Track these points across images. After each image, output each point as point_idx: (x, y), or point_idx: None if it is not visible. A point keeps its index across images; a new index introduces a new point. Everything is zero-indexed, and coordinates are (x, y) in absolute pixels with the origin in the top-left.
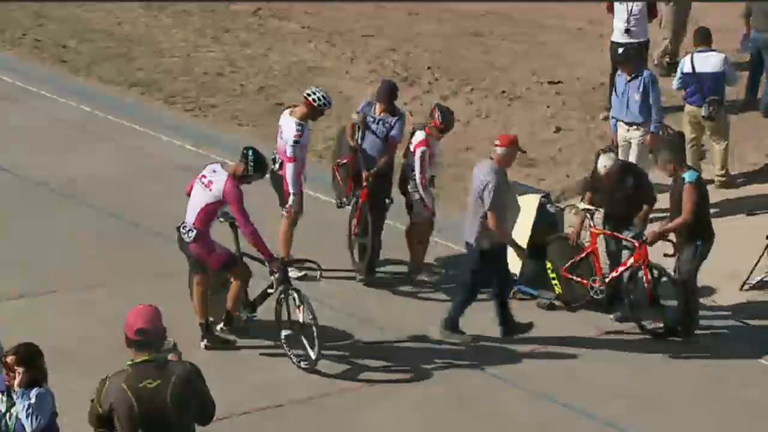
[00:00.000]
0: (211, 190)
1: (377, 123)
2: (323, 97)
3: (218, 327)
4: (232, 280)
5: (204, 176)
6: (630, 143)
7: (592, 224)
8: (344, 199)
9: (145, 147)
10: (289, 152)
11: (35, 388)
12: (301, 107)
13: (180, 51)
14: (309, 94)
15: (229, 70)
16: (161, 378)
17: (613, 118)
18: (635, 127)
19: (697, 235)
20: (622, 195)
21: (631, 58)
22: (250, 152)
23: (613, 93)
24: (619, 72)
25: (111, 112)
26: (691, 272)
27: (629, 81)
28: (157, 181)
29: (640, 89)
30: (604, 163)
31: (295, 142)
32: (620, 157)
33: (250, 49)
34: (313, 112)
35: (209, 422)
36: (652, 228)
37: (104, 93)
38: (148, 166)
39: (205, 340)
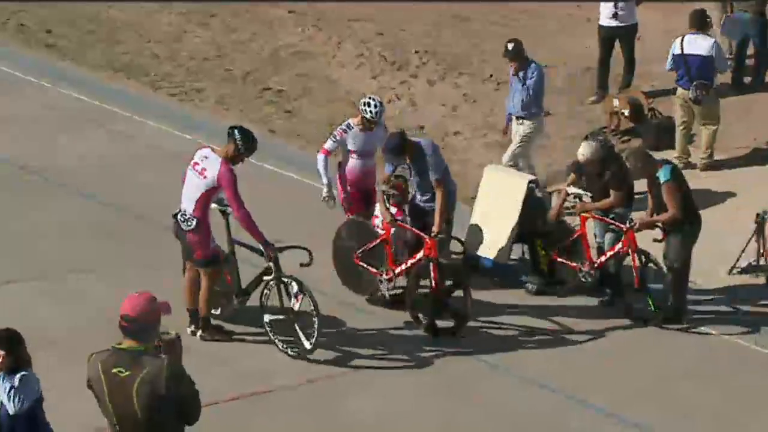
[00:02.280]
0: (205, 177)
1: (410, 168)
2: (367, 104)
3: (199, 334)
4: (201, 276)
5: (197, 164)
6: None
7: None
8: (389, 284)
9: (132, 133)
10: (326, 144)
11: (19, 373)
12: (357, 116)
13: (166, 35)
14: (360, 104)
15: (215, 54)
16: (131, 370)
17: (507, 109)
18: (521, 121)
19: (683, 222)
20: (602, 183)
21: (519, 54)
22: (236, 131)
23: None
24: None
25: (97, 97)
26: (680, 258)
27: (515, 75)
28: (146, 167)
29: (525, 83)
30: (582, 151)
31: (334, 137)
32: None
33: (236, 33)
34: (364, 120)
35: (194, 422)
36: (640, 215)
37: (90, 78)
38: (137, 153)
39: (200, 331)
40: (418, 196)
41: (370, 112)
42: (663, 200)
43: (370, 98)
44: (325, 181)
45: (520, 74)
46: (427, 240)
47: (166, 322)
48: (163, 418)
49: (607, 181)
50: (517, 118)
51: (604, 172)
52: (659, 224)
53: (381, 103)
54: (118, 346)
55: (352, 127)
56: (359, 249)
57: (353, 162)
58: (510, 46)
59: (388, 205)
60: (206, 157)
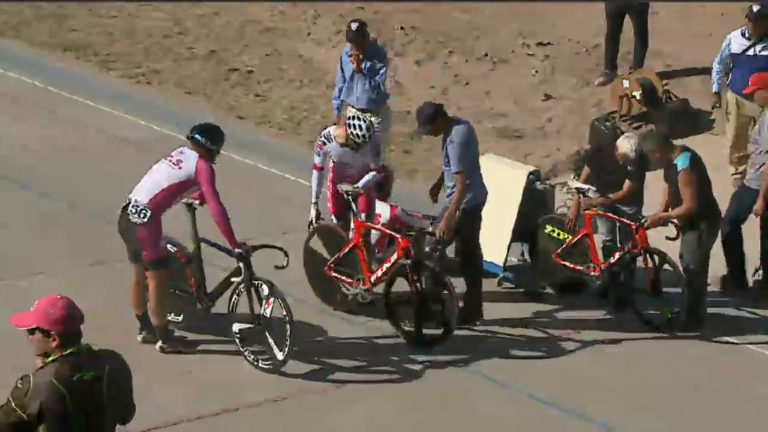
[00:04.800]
0: (180, 168)
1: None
2: (357, 126)
3: (158, 345)
4: (149, 279)
5: (171, 156)
6: None
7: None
8: (365, 293)
9: (81, 119)
10: (314, 159)
11: None
12: (341, 129)
13: (120, 10)
14: (348, 121)
15: (176, 31)
16: (94, 369)
17: (336, 99)
18: (369, 114)
19: (699, 218)
20: (619, 177)
21: (365, 38)
22: (194, 134)
23: (339, 71)
24: (346, 49)
25: (42, 79)
26: (696, 258)
27: (360, 64)
28: (97, 156)
29: (372, 74)
30: (632, 146)
31: (317, 151)
32: None
33: (199, 8)
34: (350, 141)
35: (129, 421)
36: (653, 212)
37: (34, 57)
38: (86, 141)
39: (160, 342)
40: (448, 189)
41: (360, 136)
42: (677, 191)
43: (358, 119)
44: (313, 200)
45: (367, 63)
46: (400, 240)
47: (118, 324)
48: (123, 413)
49: (628, 173)
50: (363, 110)
51: (627, 168)
52: (673, 220)
53: (371, 124)
54: (65, 354)
55: (331, 140)
56: (331, 259)
57: (334, 166)
58: (354, 26)
59: (354, 207)
60: (182, 152)
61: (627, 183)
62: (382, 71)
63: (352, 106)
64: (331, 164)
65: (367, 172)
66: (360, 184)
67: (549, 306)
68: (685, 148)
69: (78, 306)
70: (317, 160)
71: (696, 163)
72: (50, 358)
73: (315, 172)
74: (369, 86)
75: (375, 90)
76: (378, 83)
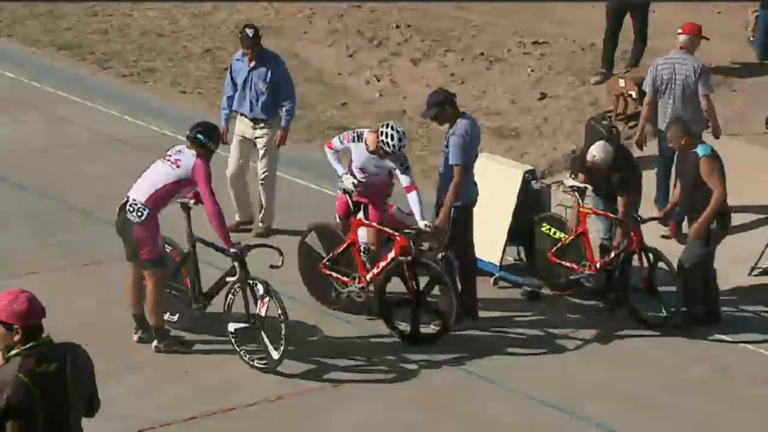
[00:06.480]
0: (178, 167)
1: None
2: (389, 135)
3: (154, 345)
4: (146, 278)
5: (168, 155)
6: (254, 143)
7: (580, 203)
8: (360, 291)
9: (75, 118)
10: (333, 140)
11: None
12: (373, 134)
13: (115, 9)
14: (381, 130)
15: (170, 30)
16: (57, 360)
17: (225, 109)
18: (262, 124)
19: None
20: (611, 185)
21: (257, 39)
22: (195, 133)
23: (229, 79)
24: (237, 56)
25: (37, 78)
26: (696, 257)
27: (252, 69)
28: (90, 155)
29: (267, 78)
30: (594, 153)
31: (342, 138)
32: (239, 156)
33: (194, 6)
34: (380, 149)
35: (95, 413)
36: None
37: (29, 56)
38: (80, 140)
39: (156, 341)
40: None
41: (392, 145)
42: (693, 183)
43: (392, 128)
44: (340, 172)
45: (265, 71)
46: (397, 238)
47: (112, 324)
48: (88, 404)
49: (621, 183)
50: (256, 120)
51: (609, 177)
52: (661, 215)
53: (404, 135)
54: (27, 347)
55: (361, 141)
56: (326, 257)
57: (350, 169)
58: (250, 32)
59: (350, 202)
60: (180, 151)
61: (627, 196)
62: (282, 83)
63: (244, 116)
64: (348, 167)
65: (382, 182)
66: (417, 215)
67: (545, 305)
68: (703, 141)
69: (39, 300)
70: (336, 143)
71: (716, 154)
72: (13, 352)
73: (329, 150)
74: (267, 96)
75: (274, 99)
76: (276, 93)
